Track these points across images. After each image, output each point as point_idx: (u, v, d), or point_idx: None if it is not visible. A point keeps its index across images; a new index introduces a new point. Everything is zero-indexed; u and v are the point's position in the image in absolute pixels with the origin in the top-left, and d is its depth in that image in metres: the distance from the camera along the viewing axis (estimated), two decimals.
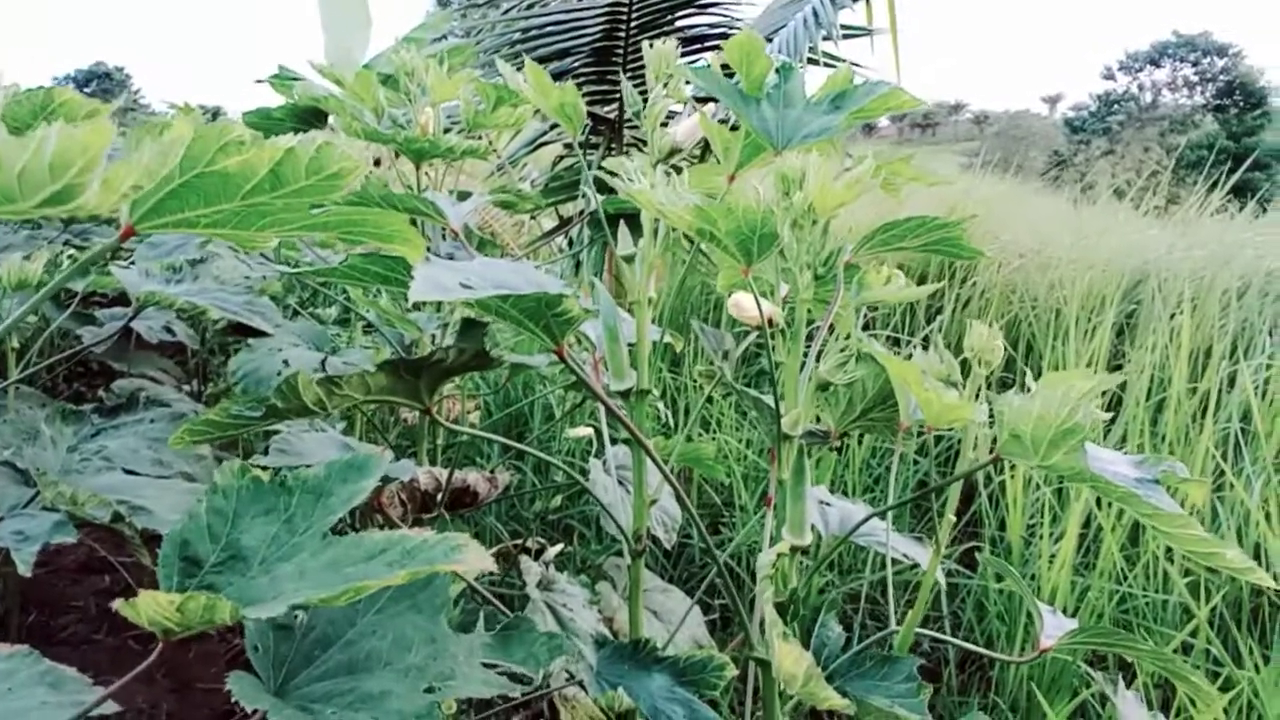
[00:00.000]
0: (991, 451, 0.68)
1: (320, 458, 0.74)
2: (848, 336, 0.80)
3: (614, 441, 1.35)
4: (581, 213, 3.04)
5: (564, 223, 3.28)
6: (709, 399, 2.68)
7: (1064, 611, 1.46)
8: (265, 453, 1.05)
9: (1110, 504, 2.01)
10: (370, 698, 0.53)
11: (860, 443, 2.50)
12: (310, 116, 1.46)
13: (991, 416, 0.76)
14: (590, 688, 0.86)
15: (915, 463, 2.61)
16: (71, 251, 1.59)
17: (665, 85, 0.85)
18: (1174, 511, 0.59)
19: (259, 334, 1.35)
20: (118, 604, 0.39)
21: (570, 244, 3.29)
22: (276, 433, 1.06)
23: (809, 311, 0.77)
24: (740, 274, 0.90)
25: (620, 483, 1.33)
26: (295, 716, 0.49)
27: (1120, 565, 1.92)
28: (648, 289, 0.92)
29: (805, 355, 0.78)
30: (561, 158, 3.62)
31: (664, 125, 0.92)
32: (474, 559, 0.46)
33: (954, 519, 0.90)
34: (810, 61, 2.59)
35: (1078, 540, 1.92)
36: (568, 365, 0.73)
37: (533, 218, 3.78)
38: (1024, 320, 3.34)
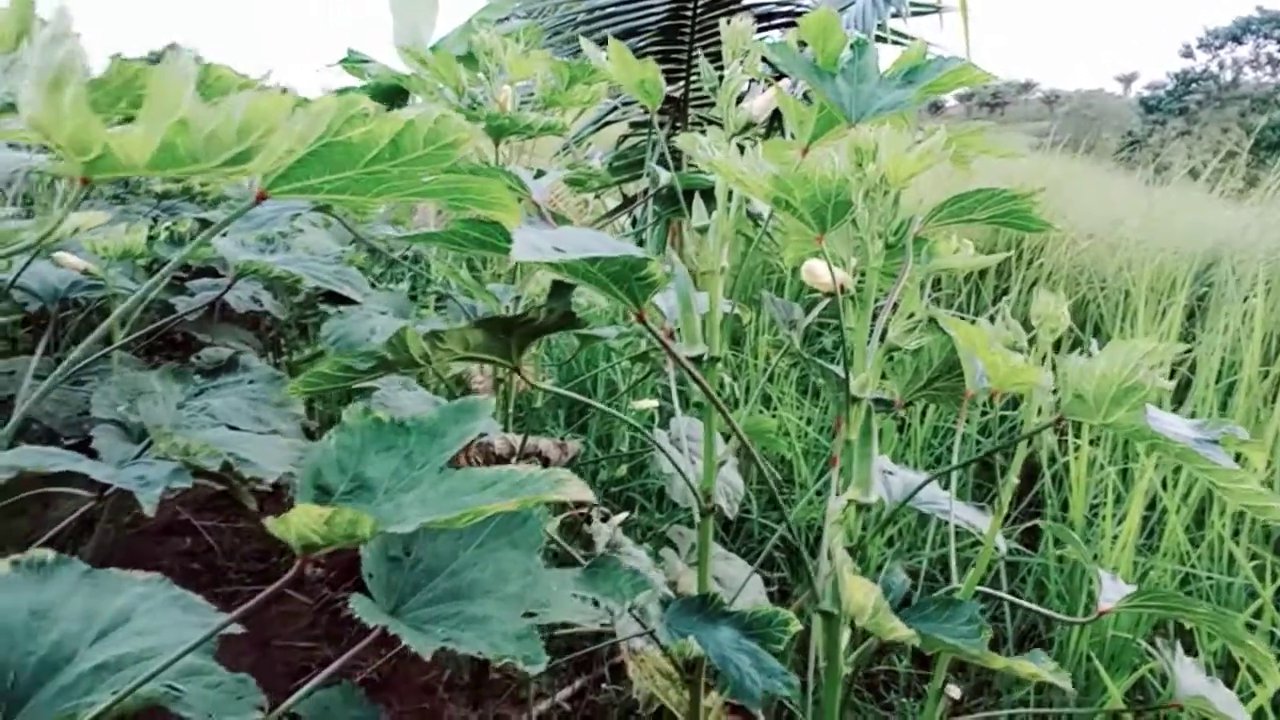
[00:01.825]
0: (1056, 412, 0.71)
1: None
2: (912, 314, 0.83)
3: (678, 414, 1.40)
4: (645, 192, 3.08)
5: (628, 201, 3.33)
6: (770, 378, 2.71)
7: None
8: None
9: (1175, 485, 2.00)
10: (475, 620, 0.59)
11: (922, 421, 2.51)
12: (392, 95, 1.52)
13: (1056, 386, 0.79)
14: (662, 635, 0.91)
15: (978, 443, 2.61)
16: (169, 224, 1.68)
17: (741, 61, 0.89)
18: (1230, 467, 0.61)
19: (345, 303, 1.42)
20: (268, 521, 0.44)
21: (634, 223, 3.33)
22: (366, 393, 1.12)
23: (878, 282, 0.80)
24: (812, 243, 0.93)
25: (684, 453, 1.37)
26: (410, 632, 0.55)
27: (1184, 547, 1.91)
28: (721, 259, 0.95)
29: (874, 322, 0.81)
30: (626, 137, 3.66)
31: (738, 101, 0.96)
32: (575, 490, 0.51)
33: (1016, 495, 0.92)
34: (879, 39, 2.59)
35: (1141, 521, 1.91)
36: (646, 328, 0.78)
37: (596, 197, 3.83)
38: (1092, 301, 3.30)
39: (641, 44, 3.08)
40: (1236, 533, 1.89)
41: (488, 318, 0.69)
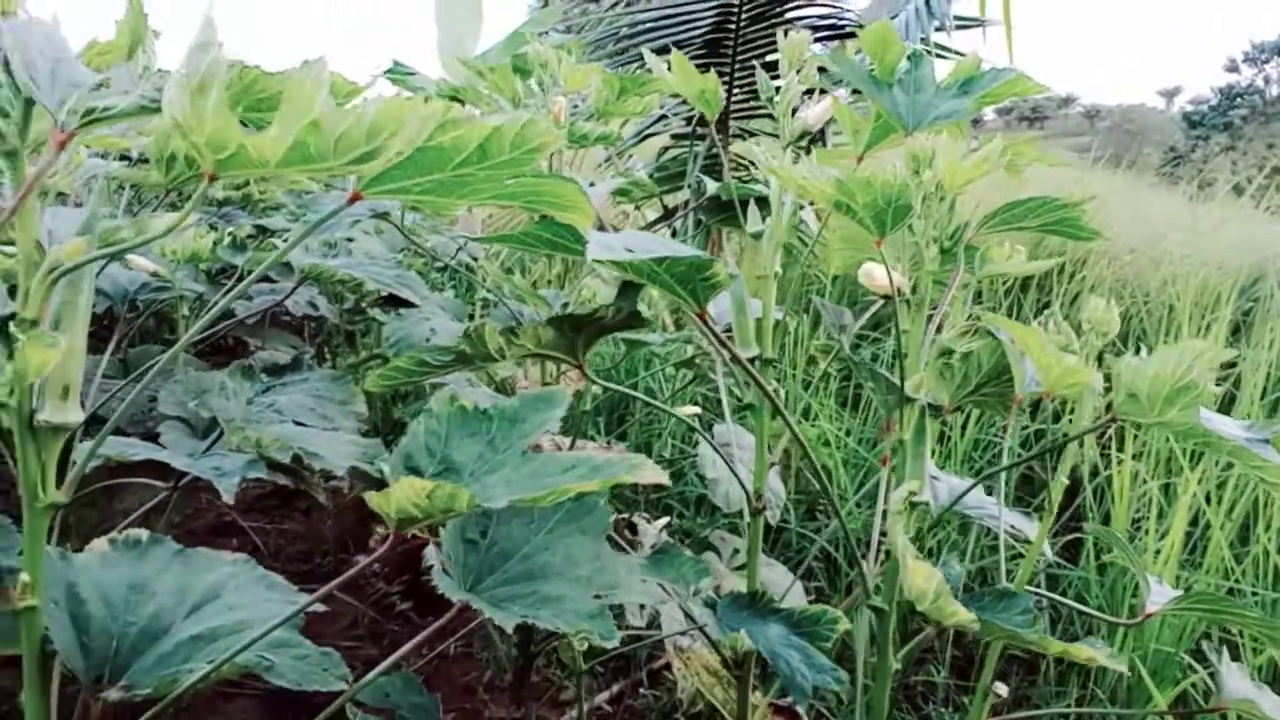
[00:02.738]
0: (1109, 412, 0.72)
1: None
2: (966, 317, 0.85)
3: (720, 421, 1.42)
4: (686, 203, 3.10)
5: (669, 212, 3.36)
6: (810, 389, 2.73)
7: None
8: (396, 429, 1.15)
9: (1219, 500, 1.99)
10: (549, 599, 0.62)
11: (963, 435, 2.52)
12: None
13: (1107, 387, 0.81)
14: (713, 630, 0.94)
15: (1019, 456, 2.60)
16: (231, 229, 1.74)
17: (798, 71, 0.92)
18: None
19: (401, 307, 1.46)
20: (369, 495, 0.47)
21: (674, 234, 3.36)
22: (414, 397, 1.16)
23: (930, 287, 0.83)
24: (861, 252, 0.96)
25: (728, 461, 1.40)
26: (490, 609, 0.58)
27: (1229, 562, 1.90)
28: (774, 264, 0.98)
29: (927, 325, 0.83)
30: (666, 149, 3.70)
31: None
32: (650, 474, 0.54)
33: (1058, 508, 0.93)
34: None
35: (1184, 536, 1.91)
36: (705, 328, 0.80)
37: (637, 208, 3.87)
38: (1135, 316, 3.29)
39: (685, 57, 3.12)
40: None
41: (559, 315, 0.72)
